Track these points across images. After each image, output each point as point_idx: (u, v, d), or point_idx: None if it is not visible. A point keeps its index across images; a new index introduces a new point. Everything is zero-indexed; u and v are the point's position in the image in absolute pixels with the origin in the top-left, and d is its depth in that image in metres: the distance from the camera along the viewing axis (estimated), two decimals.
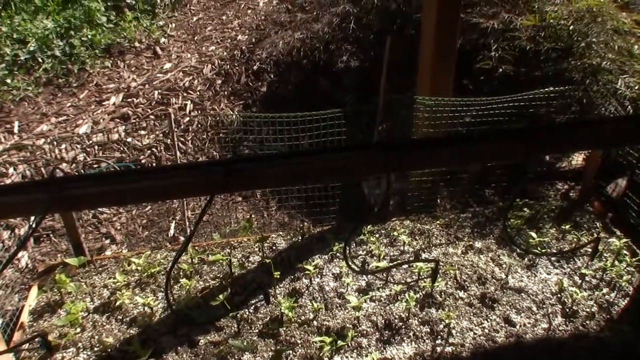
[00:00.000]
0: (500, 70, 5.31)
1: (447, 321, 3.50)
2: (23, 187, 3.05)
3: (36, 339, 3.24)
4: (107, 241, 5.08)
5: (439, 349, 3.35)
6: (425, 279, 3.82)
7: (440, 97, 4.48)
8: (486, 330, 3.51)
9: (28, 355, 3.42)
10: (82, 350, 3.43)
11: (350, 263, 2.75)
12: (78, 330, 3.56)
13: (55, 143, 6.05)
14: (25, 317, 3.74)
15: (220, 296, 3.44)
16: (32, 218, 5.13)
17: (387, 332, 3.46)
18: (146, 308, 3.64)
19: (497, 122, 4.84)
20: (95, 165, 5.69)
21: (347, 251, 2.81)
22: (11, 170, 5.74)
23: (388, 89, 4.99)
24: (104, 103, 6.72)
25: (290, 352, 3.25)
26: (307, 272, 3.82)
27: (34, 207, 2.63)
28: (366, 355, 3.28)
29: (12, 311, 4.08)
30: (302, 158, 2.53)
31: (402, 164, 2.59)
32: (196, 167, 2.74)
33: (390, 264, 3.95)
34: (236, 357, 3.28)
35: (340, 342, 3.31)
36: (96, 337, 3.49)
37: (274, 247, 4.17)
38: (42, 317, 3.74)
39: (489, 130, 4.63)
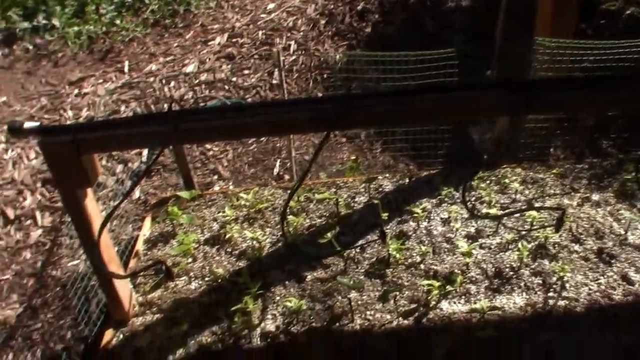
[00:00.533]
0: (628, 12, 4.84)
1: (560, 274, 3.33)
2: (143, 119, 3.16)
3: (158, 266, 3.44)
4: (215, 177, 5.22)
5: (551, 302, 3.21)
6: (538, 229, 3.64)
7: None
8: (602, 287, 3.31)
9: (143, 281, 3.61)
10: (193, 279, 3.58)
11: (469, 207, 2.65)
12: (190, 260, 3.70)
13: (164, 81, 6.23)
14: (140, 246, 3.94)
15: (329, 234, 3.45)
16: (145, 153, 5.37)
17: (496, 280, 3.35)
18: (254, 242, 3.73)
19: (620, 68, 4.46)
20: (203, 103, 5.82)
21: (465, 195, 2.66)
22: (123, 107, 5.99)
23: (504, 31, 4.68)
24: (209, 43, 6.81)
25: (397, 293, 3.22)
26: (414, 215, 3.75)
27: (153, 139, 2.72)
28: (475, 302, 3.20)
29: (127, 240, 4.32)
30: (428, 95, 2.42)
31: (532, 107, 2.42)
32: (314, 103, 2.70)
33: (514, 210, 3.78)
34: (343, 294, 3.29)
35: (448, 287, 3.24)
36: (207, 267, 3.63)
37: (380, 189, 4.11)
38: (155, 246, 3.93)
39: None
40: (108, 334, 3.29)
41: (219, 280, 3.48)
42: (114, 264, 3.14)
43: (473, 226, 3.74)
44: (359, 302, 3.25)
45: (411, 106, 2.38)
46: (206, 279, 3.55)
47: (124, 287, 3.30)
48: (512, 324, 3.09)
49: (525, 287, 3.30)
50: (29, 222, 4.73)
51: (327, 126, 2.43)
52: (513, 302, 3.21)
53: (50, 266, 4.32)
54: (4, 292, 4.08)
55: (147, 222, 4.19)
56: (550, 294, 3.26)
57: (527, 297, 3.24)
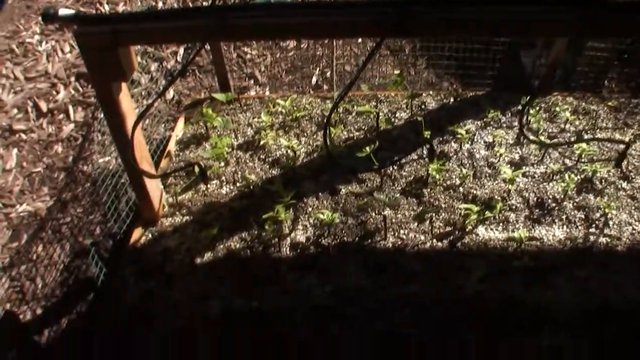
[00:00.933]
0: None
1: (605, 210, 3.18)
2: (186, 12, 2.97)
3: (191, 168, 3.36)
4: (251, 82, 5.06)
5: (592, 238, 3.08)
6: (585, 162, 3.46)
7: None
8: None
9: (174, 182, 3.56)
10: (225, 183, 3.51)
11: (526, 132, 2.48)
12: (222, 164, 3.62)
13: None
14: (172, 146, 3.87)
15: (367, 148, 3.31)
16: (181, 52, 5.20)
17: (537, 210, 3.22)
18: (289, 151, 3.62)
19: None
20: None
21: (523, 120, 2.46)
22: (160, 4, 5.76)
23: None
24: None
25: (434, 214, 3.12)
26: (457, 136, 3.58)
27: (196, 33, 2.54)
28: (513, 231, 3.08)
29: (159, 140, 4.25)
30: (490, 6, 2.20)
31: (595, 28, 2.19)
32: (369, 5, 2.48)
33: (578, 139, 3.59)
34: (377, 210, 3.20)
35: (487, 213, 3.12)
36: (239, 172, 3.55)
37: (423, 106, 3.92)
38: (187, 147, 3.85)
39: None
40: (137, 233, 3.27)
41: (251, 187, 3.41)
42: (146, 163, 3.07)
43: (517, 153, 3.56)
44: (393, 220, 3.16)
45: (477, 16, 2.17)
46: (238, 184, 3.48)
47: (154, 187, 3.24)
48: (550, 256, 2.99)
49: (567, 220, 3.16)
50: (61, 116, 4.67)
51: (384, 32, 2.23)
52: (552, 234, 3.09)
53: (81, 161, 4.29)
54: (35, 184, 4.08)
55: (180, 123, 4.10)
56: (592, 230, 3.13)
57: (568, 230, 3.11)
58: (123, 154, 2.96)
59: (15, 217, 3.86)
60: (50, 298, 3.32)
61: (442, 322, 2.72)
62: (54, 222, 3.79)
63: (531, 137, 3.17)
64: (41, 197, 4.00)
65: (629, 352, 2.63)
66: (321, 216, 3.09)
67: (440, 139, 3.64)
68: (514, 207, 3.22)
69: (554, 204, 3.24)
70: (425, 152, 3.54)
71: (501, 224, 3.14)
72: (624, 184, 3.41)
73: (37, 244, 3.65)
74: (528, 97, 3.80)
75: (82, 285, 3.35)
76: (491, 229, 3.12)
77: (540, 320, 2.72)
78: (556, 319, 2.72)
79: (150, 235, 3.27)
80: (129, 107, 2.81)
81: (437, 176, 3.32)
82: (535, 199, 3.27)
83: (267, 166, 3.58)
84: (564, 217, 3.18)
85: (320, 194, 3.34)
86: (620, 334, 2.67)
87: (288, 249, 3.08)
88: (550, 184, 3.35)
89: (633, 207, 3.27)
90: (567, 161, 3.51)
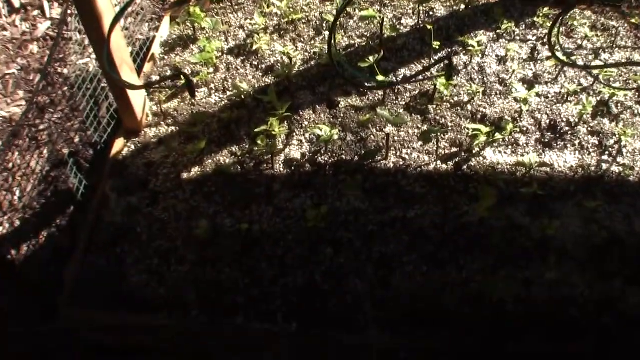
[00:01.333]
0: None
1: (620, 137, 2.97)
2: None
3: (176, 78, 3.06)
4: None
5: (604, 166, 2.89)
6: (603, 84, 3.21)
7: None
8: None
9: (159, 88, 3.28)
10: (214, 91, 3.24)
11: (555, 52, 2.21)
12: (211, 70, 3.33)
13: None
14: (156, 49, 3.54)
15: (371, 58, 3.03)
16: None
17: (549, 134, 3.00)
18: (284, 57, 3.32)
19: None
20: None
21: (552, 34, 2.17)
22: None
23: None
24: None
25: (440, 134, 2.89)
26: (468, 48, 3.28)
27: None
28: (522, 155, 2.89)
29: (142, 41, 3.89)
30: None
31: None
32: None
33: (617, 62, 3.31)
34: (378, 127, 2.97)
35: (496, 135, 2.90)
36: (230, 80, 3.26)
37: (431, 13, 3.57)
38: (173, 50, 3.53)
39: None
40: (118, 144, 3.03)
41: (242, 97, 3.14)
42: (126, 68, 2.79)
43: (531, 70, 3.29)
44: (395, 139, 2.94)
45: None
46: (228, 93, 3.21)
47: (137, 95, 2.97)
48: (559, 184, 2.81)
49: (580, 146, 2.96)
50: (36, 12, 4.25)
51: None
52: (564, 160, 2.90)
53: (58, 63, 3.94)
54: (9, 87, 3.76)
55: (166, 22, 3.74)
56: (605, 158, 2.93)
57: (580, 157, 2.92)
58: (100, 57, 2.67)
59: None
60: (28, 210, 3.11)
61: (441, 250, 2.58)
62: (30, 129, 3.51)
63: (565, 60, 2.88)
64: (16, 101, 3.70)
65: (634, 285, 2.52)
66: (318, 132, 2.86)
67: (449, 50, 3.34)
68: (525, 129, 3.01)
69: (567, 128, 3.02)
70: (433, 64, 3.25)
71: (510, 147, 2.94)
72: None
73: (12, 152, 3.39)
74: (565, 9, 3.46)
75: (62, 198, 3.13)
76: (500, 152, 2.91)
77: (545, 250, 2.58)
78: (562, 250, 2.58)
79: (133, 147, 3.03)
80: (106, 4, 2.49)
81: (445, 92, 3.06)
82: (548, 121, 3.04)
83: (260, 74, 3.29)
84: (576, 142, 2.97)
85: (317, 106, 3.09)
86: (625, 268, 2.55)
87: (282, 165, 2.87)
88: (565, 106, 3.11)
89: None
90: (583, 81, 3.25)
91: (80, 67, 3.81)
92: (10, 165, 3.32)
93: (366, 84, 2.88)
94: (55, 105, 3.60)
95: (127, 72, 2.78)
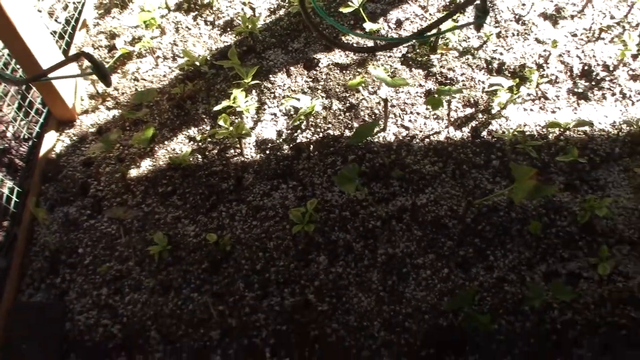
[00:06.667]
0: None
1: None
2: None
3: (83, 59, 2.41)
4: None
5: None
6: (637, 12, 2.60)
7: None
8: None
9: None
10: (162, 60, 2.60)
11: None
12: (156, 33, 2.67)
13: None
14: (88, 14, 2.86)
15: (354, 1, 2.38)
16: None
17: (583, 82, 2.41)
18: (246, 8, 2.66)
19: None
20: None
21: None
22: None
23: None
24: None
25: (448, 97, 2.27)
26: None
27: None
28: (553, 112, 2.30)
29: (73, 6, 3.17)
30: None
31: None
32: None
33: None
34: (370, 89, 2.36)
35: (517, 91, 2.30)
36: (180, 44, 2.61)
37: None
38: (109, 13, 2.85)
39: None
40: (49, 138, 2.42)
41: (197, 64, 2.50)
42: (41, 46, 2.13)
43: (552, 1, 2.67)
44: (394, 103, 2.33)
45: None
46: (179, 61, 2.57)
47: (63, 74, 2.32)
48: (602, 145, 2.24)
49: (621, 94, 2.38)
50: None
51: None
52: (604, 114, 2.32)
53: None
54: None
55: None
56: None
57: (622, 109, 2.34)
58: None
59: None
60: None
61: (464, 244, 2.02)
62: None
63: None
64: None
65: None
66: (295, 102, 2.24)
67: None
68: (552, 77, 2.41)
69: (604, 73, 2.43)
70: (455, 10, 2.61)
71: (536, 102, 2.35)
72: None
73: None
74: None
75: None
76: (524, 110, 2.32)
77: (592, 234, 2.03)
78: (612, 232, 2.04)
79: (67, 141, 2.42)
80: None
81: (451, 36, 2.44)
82: (580, 66, 2.44)
83: (218, 32, 2.64)
84: (617, 90, 2.39)
85: (292, 68, 2.46)
86: None
87: (253, 150, 2.27)
88: (598, 44, 2.51)
89: None
90: (614, 12, 2.64)
91: None
92: None
93: (353, 46, 2.24)
94: None
95: (43, 51, 2.14)
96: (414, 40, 2.45)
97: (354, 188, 1.94)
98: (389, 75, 2.27)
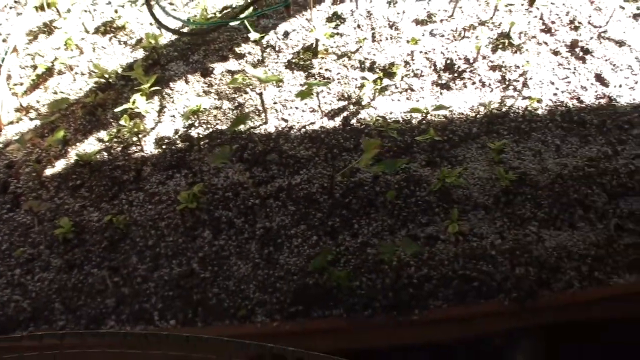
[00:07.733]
0: None
1: (524, 69, 2.74)
2: None
3: None
4: None
5: (508, 102, 2.66)
6: (501, 14, 2.96)
7: None
8: (571, 86, 2.76)
9: (19, 81, 2.93)
10: (79, 76, 2.92)
11: None
12: (75, 53, 3.00)
13: None
14: (20, 39, 3.18)
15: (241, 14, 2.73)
16: None
17: (446, 74, 2.75)
18: (153, 28, 3.00)
19: None
20: None
21: None
22: None
23: None
24: None
25: (324, 88, 2.61)
26: None
27: None
28: (417, 100, 2.63)
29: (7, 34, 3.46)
30: None
31: None
32: None
33: None
34: (257, 89, 2.68)
35: (386, 81, 2.64)
36: (95, 61, 2.94)
37: None
38: (36, 38, 3.18)
39: None
40: None
41: (107, 76, 2.82)
42: None
43: (424, 9, 3.03)
44: (277, 100, 2.66)
45: None
46: (93, 75, 2.89)
47: None
48: (460, 127, 2.57)
49: (480, 82, 2.72)
50: None
51: None
52: (464, 100, 2.66)
53: None
54: None
55: (28, 9, 3.36)
56: (509, 92, 2.71)
57: (481, 94, 2.68)
58: None
59: None
60: None
61: (332, 215, 2.32)
62: None
63: None
64: None
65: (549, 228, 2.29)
66: (188, 103, 2.56)
67: None
68: (418, 72, 2.75)
69: (465, 65, 2.77)
70: (312, 15, 2.96)
71: (403, 93, 2.68)
72: (547, 37, 2.96)
73: None
74: None
75: None
76: (392, 100, 2.65)
77: (449, 202, 2.33)
78: (468, 199, 2.34)
79: None
80: None
81: (328, 42, 2.79)
82: (443, 61, 2.79)
83: (130, 50, 2.98)
84: (476, 79, 2.73)
85: (189, 76, 2.79)
86: (538, 210, 2.32)
87: (152, 146, 2.58)
88: (462, 42, 2.86)
89: (556, 64, 2.85)
90: (481, 15, 3.00)
91: None
92: None
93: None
94: None
95: None
96: (292, 42, 2.79)
97: (225, 158, 2.22)
98: (268, 76, 2.59)
